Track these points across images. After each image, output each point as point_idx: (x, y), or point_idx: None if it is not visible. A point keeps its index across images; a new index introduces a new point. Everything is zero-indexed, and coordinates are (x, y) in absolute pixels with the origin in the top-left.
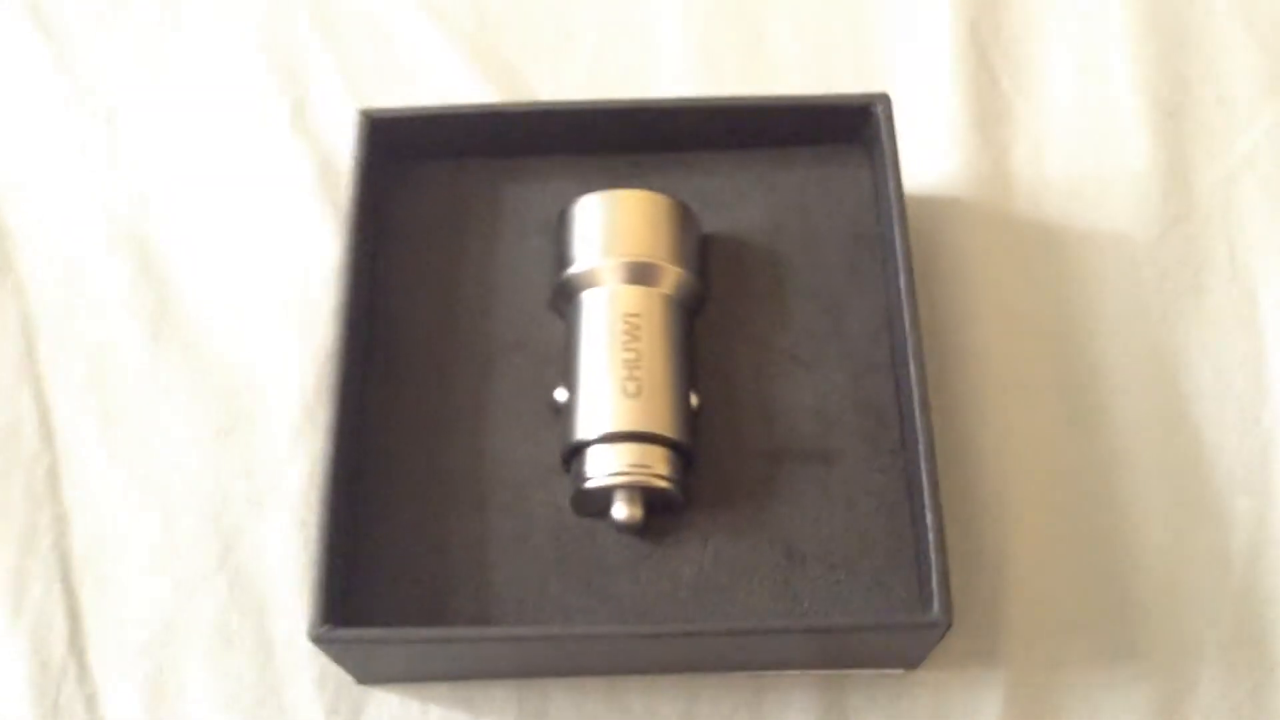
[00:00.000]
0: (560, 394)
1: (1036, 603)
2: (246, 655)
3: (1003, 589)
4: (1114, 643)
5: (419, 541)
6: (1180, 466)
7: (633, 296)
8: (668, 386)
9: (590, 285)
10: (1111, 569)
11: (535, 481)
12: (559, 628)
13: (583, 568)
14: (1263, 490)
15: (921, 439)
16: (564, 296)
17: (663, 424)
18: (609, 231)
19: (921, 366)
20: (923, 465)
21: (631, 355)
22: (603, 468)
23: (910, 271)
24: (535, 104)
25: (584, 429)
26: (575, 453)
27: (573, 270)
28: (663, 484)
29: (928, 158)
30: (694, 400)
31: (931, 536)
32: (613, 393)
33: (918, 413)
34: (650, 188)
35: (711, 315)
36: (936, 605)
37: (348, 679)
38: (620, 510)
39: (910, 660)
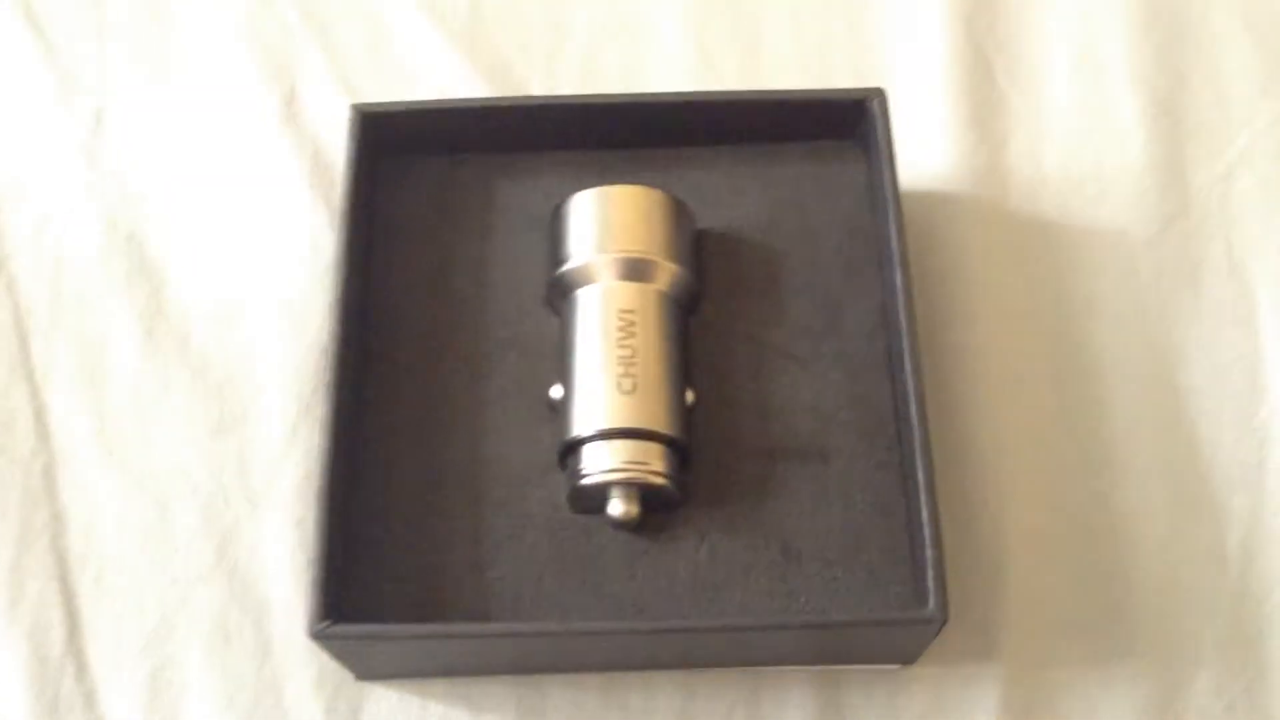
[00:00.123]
0: (556, 391)
1: (1032, 599)
2: (245, 652)
3: (999, 585)
4: (1110, 639)
5: (416, 538)
6: (1176, 463)
7: (628, 293)
8: (663, 383)
9: (585, 282)
10: (1107, 566)
11: (531, 478)
12: (556, 624)
13: (579, 564)
14: (1258, 487)
15: (917, 436)
16: (559, 293)
17: (658, 420)
18: (603, 227)
19: (917, 363)
20: (918, 462)
21: (627, 352)
22: (599, 464)
23: (906, 267)
24: (529, 99)
25: (580, 426)
26: (571, 449)
27: (567, 267)
28: (659, 480)
29: (924, 153)
30: (690, 397)
31: (927, 533)
32: (608, 389)
33: (914, 409)
34: (645, 183)
35: (707, 311)
36: (932, 601)
37: (347, 675)
38: (616, 507)
39: (906, 656)
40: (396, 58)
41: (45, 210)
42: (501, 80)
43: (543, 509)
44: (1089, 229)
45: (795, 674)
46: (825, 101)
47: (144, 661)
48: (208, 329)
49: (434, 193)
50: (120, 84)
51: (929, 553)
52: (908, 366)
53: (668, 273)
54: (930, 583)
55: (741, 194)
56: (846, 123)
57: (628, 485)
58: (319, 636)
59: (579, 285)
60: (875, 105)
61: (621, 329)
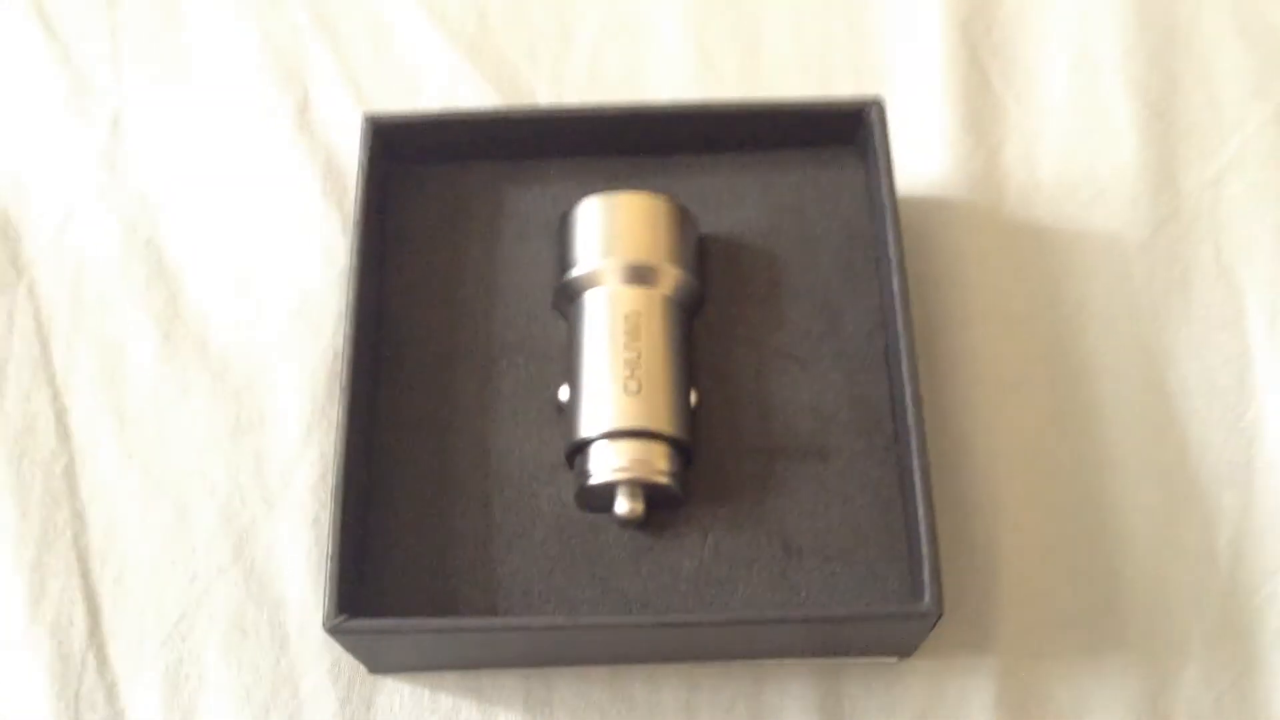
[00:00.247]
0: (563, 393)
1: (1027, 595)
2: (261, 646)
3: (994, 581)
4: (1102, 633)
5: (428, 536)
6: (1167, 462)
7: (633, 297)
8: (667, 385)
9: (591, 286)
10: (1100, 562)
11: (540, 478)
12: (564, 618)
13: (586, 561)
14: (1247, 486)
15: (914, 435)
16: (566, 297)
17: (663, 421)
18: (609, 234)
19: (914, 364)
20: (915, 460)
21: (632, 355)
22: (605, 464)
23: (903, 272)
24: (537, 108)
25: (586, 427)
26: (578, 450)
27: (574, 272)
28: (663, 479)
29: (921, 159)
30: (693, 398)
31: (923, 529)
32: (614, 391)
33: (910, 409)
34: (649, 190)
35: (710, 315)
36: (928, 596)
37: (360, 669)
38: (622, 505)
39: (904, 649)
40: (405, 64)
41: (65, 215)
42: (508, 86)
43: (551, 507)
44: (1082, 233)
45: (796, 667)
46: (825, 110)
47: (163, 656)
48: (225, 333)
49: (444, 200)
50: (135, 87)
51: (925, 548)
52: (905, 367)
53: (672, 277)
54: (926, 577)
55: (743, 200)
56: (845, 130)
57: (633, 484)
58: (334, 631)
59: (585, 289)
60: (874, 114)
61: (627, 332)
